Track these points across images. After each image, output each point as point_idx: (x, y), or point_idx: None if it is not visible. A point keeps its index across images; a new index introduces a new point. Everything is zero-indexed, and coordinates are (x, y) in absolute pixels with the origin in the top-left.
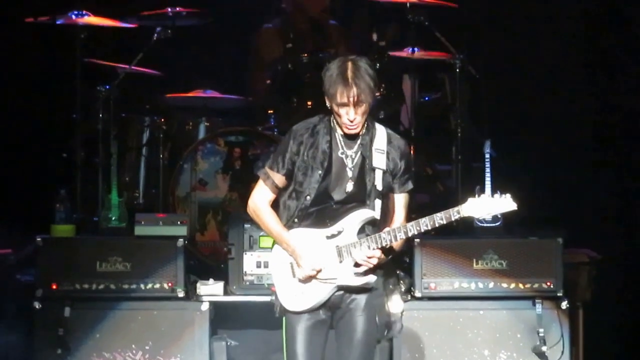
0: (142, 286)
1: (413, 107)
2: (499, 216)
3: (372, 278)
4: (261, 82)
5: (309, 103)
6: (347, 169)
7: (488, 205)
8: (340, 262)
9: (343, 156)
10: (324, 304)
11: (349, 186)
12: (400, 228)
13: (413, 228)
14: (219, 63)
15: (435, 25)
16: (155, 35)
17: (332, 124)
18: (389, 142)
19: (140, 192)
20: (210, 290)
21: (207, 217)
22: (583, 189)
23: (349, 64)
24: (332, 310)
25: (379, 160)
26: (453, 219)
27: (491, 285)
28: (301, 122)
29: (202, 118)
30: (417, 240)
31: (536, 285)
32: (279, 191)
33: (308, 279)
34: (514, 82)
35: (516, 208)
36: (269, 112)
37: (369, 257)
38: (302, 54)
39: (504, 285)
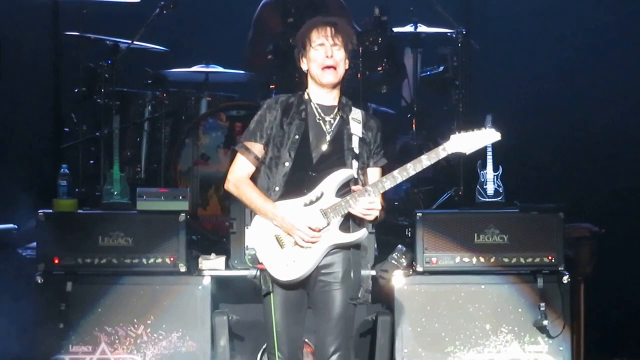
0: (144, 261)
1: (415, 81)
2: (501, 190)
3: (364, 232)
4: (262, 58)
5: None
6: (326, 133)
7: (472, 138)
8: (328, 223)
9: (320, 122)
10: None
11: (325, 147)
12: (387, 177)
13: (399, 175)
14: (222, 37)
15: None
16: (158, 9)
17: (307, 96)
18: (365, 118)
19: (142, 167)
20: (212, 264)
21: (209, 192)
22: (586, 162)
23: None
24: (309, 287)
25: (356, 128)
26: (440, 157)
27: (492, 259)
28: (275, 96)
29: (204, 93)
30: (419, 214)
31: (537, 260)
32: (258, 163)
33: (312, 239)
34: (515, 56)
35: (500, 137)
36: (271, 87)
37: (370, 203)
38: None
39: (505, 259)
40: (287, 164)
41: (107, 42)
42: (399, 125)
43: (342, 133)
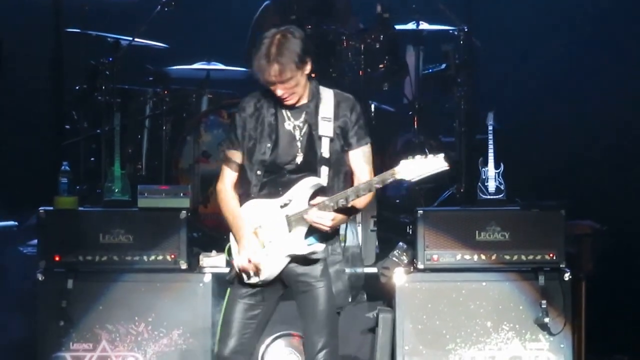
0: (145, 258)
1: (417, 79)
2: (502, 188)
3: (319, 247)
4: None
5: (313, 75)
6: (296, 141)
7: (420, 166)
8: (290, 231)
9: (290, 128)
10: (278, 277)
11: (299, 157)
12: (341, 194)
13: (352, 194)
14: (223, 35)
15: None
16: (159, 6)
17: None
18: (337, 105)
19: (143, 164)
20: (213, 262)
21: (210, 190)
22: (587, 159)
23: (277, 38)
24: (289, 287)
25: (325, 128)
26: (388, 182)
27: (494, 257)
28: (247, 96)
29: (205, 90)
30: (420, 212)
31: (539, 257)
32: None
33: (242, 268)
34: (517, 53)
35: (448, 167)
36: None
37: (319, 218)
38: (305, 26)
39: (507, 257)
40: (259, 172)
41: (108, 39)
42: (400, 123)
43: (312, 138)
